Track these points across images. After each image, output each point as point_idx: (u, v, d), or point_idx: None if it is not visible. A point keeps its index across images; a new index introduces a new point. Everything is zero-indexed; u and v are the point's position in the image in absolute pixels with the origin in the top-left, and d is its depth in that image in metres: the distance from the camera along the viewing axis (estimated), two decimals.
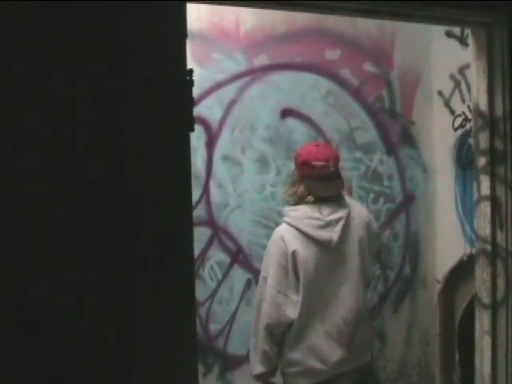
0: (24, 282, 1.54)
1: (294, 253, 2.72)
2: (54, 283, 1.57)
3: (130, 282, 1.64)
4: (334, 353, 2.78)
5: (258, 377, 2.81)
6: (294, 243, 2.74)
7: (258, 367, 2.79)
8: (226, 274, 3.53)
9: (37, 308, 1.56)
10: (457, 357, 3.83)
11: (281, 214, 2.92)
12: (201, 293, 3.39)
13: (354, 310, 2.82)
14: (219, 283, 3.52)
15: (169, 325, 1.69)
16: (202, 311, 3.47)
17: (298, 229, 2.76)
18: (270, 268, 2.77)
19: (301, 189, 2.83)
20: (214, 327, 3.52)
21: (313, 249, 2.75)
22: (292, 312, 2.73)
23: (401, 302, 4.00)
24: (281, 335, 2.78)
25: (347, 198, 2.95)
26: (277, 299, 2.74)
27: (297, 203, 2.85)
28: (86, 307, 1.61)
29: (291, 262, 2.73)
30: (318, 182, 2.80)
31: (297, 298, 2.74)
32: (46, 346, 1.57)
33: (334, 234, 2.76)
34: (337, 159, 2.85)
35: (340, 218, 2.79)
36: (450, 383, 3.94)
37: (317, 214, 2.76)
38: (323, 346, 2.77)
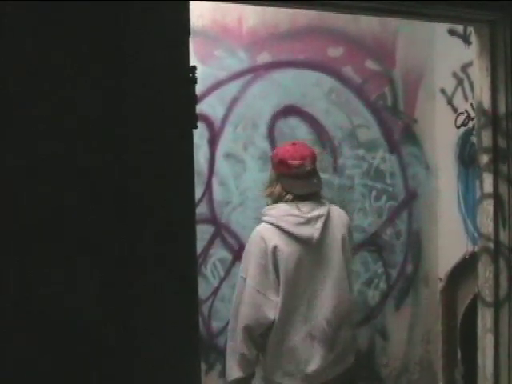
0: (25, 282, 1.54)
1: (274, 248, 2.68)
2: (55, 283, 1.57)
3: (132, 280, 1.64)
4: (318, 356, 2.71)
5: (234, 383, 2.72)
6: (275, 240, 2.69)
7: (234, 372, 2.70)
8: (228, 272, 3.53)
9: (37, 308, 1.56)
10: (459, 355, 3.83)
11: (260, 215, 2.87)
12: (203, 290, 3.40)
13: (337, 308, 2.76)
14: (221, 281, 3.53)
15: (171, 323, 1.69)
16: (205, 309, 3.48)
17: (278, 226, 2.72)
18: (249, 268, 2.71)
19: (278, 188, 2.80)
20: (216, 325, 3.52)
21: (294, 246, 2.70)
22: (272, 313, 2.67)
23: (403, 299, 4.00)
24: (260, 337, 2.71)
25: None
26: (256, 299, 2.67)
27: (276, 202, 2.82)
28: (87, 306, 1.61)
29: (271, 260, 2.68)
30: (295, 180, 2.77)
31: (276, 299, 2.68)
32: (47, 347, 1.57)
33: (315, 230, 2.73)
34: (314, 158, 2.83)
35: (320, 215, 2.76)
36: (452, 381, 3.94)
37: (296, 212, 2.73)
38: (306, 349, 2.71)
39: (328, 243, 2.78)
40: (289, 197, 2.77)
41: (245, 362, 2.69)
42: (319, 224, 2.74)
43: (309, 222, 2.73)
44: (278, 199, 2.81)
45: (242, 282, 2.73)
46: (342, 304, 2.78)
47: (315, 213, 2.76)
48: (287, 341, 2.70)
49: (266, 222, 2.77)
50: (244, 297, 2.69)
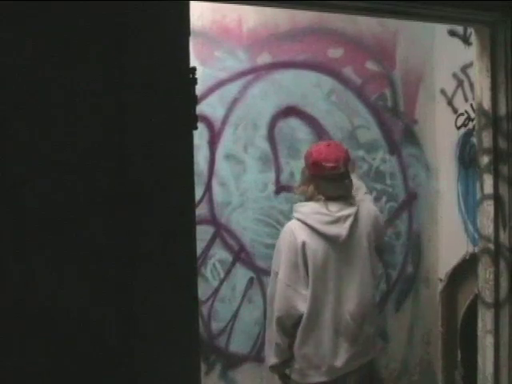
0: (25, 282, 1.54)
1: (303, 244, 2.78)
2: (55, 282, 1.57)
3: (132, 281, 1.64)
4: (342, 349, 2.83)
5: (272, 368, 2.93)
6: (303, 236, 2.79)
7: (271, 358, 2.88)
8: (228, 273, 3.53)
9: (38, 308, 1.56)
10: (459, 356, 3.83)
11: (292, 211, 2.97)
12: (203, 291, 3.40)
13: (362, 305, 2.86)
14: (221, 281, 3.52)
15: (171, 323, 1.69)
16: (205, 310, 3.47)
17: (306, 224, 2.81)
18: (280, 262, 2.82)
19: (311, 188, 2.89)
20: (216, 325, 3.52)
21: (321, 243, 2.80)
22: (302, 305, 2.78)
23: (403, 300, 4.00)
24: (292, 328, 2.82)
25: (356, 188, 3.02)
26: (287, 293, 2.78)
27: (307, 200, 2.91)
28: (87, 306, 1.61)
29: (301, 255, 2.78)
30: (328, 182, 2.85)
31: (306, 293, 2.78)
32: (47, 345, 1.57)
33: (342, 229, 2.81)
34: (347, 159, 2.90)
35: (349, 215, 2.84)
36: (452, 382, 3.93)
37: (325, 211, 2.81)
38: (332, 343, 2.82)
39: (355, 242, 2.87)
40: (320, 197, 2.85)
41: (279, 350, 2.86)
42: (347, 223, 2.83)
43: (337, 221, 2.82)
44: (309, 199, 2.90)
45: (274, 276, 2.86)
46: (365, 300, 2.89)
47: (344, 212, 2.84)
48: (315, 333, 2.82)
49: (297, 218, 2.86)
50: (276, 290, 2.82)
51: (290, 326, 2.81)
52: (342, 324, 2.83)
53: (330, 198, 2.84)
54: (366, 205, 3.01)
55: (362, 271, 2.87)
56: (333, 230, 2.80)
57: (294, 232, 2.82)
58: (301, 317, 2.79)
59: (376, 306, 3.09)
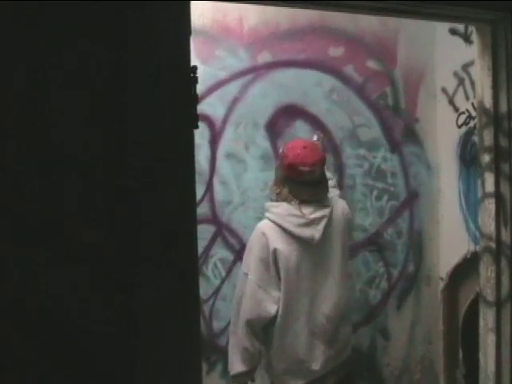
0: (26, 280, 1.54)
1: (275, 251, 2.71)
2: (57, 286, 1.57)
3: (133, 280, 1.64)
4: (318, 352, 2.77)
5: (237, 377, 2.75)
6: (276, 241, 2.73)
7: (237, 366, 2.73)
8: (229, 271, 3.53)
9: (39, 310, 1.56)
10: (460, 354, 3.83)
11: (263, 210, 2.91)
12: (204, 290, 3.40)
13: (338, 306, 2.81)
14: (223, 280, 3.53)
15: (173, 323, 1.69)
16: (206, 308, 3.48)
17: (280, 226, 2.74)
18: (250, 263, 2.75)
19: (285, 191, 2.81)
20: (217, 324, 3.52)
21: (295, 246, 2.74)
22: (273, 307, 2.71)
23: (404, 299, 4.00)
24: (262, 331, 2.75)
25: (331, 190, 2.96)
26: (257, 294, 2.71)
27: (279, 201, 2.84)
28: (87, 307, 1.61)
29: (272, 257, 2.72)
30: (303, 186, 2.78)
31: (277, 294, 2.72)
32: (48, 348, 1.57)
33: (316, 232, 2.75)
34: (323, 161, 2.84)
35: (322, 217, 2.78)
36: (453, 381, 3.94)
37: (298, 213, 2.75)
38: (307, 346, 2.76)
39: (329, 243, 2.81)
40: (295, 202, 2.78)
41: (248, 356, 2.72)
42: (321, 226, 2.76)
43: (311, 223, 2.76)
44: (283, 200, 2.82)
45: (244, 277, 2.76)
46: (341, 301, 2.83)
47: (318, 214, 2.77)
48: (289, 337, 2.75)
49: (269, 219, 2.79)
50: (246, 291, 2.73)
51: (259, 329, 2.73)
52: (318, 326, 2.77)
53: (303, 201, 2.78)
54: (340, 204, 2.94)
55: (336, 273, 2.81)
56: (306, 232, 2.74)
57: (265, 232, 2.74)
58: (270, 319, 2.72)
59: (351, 307, 3.03)
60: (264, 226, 2.79)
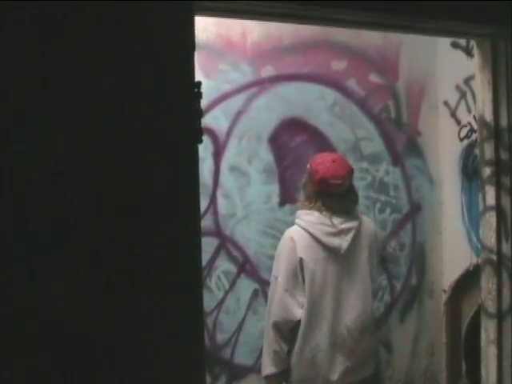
0: (31, 287, 1.56)
1: (301, 260, 2.77)
2: (61, 292, 1.58)
3: (137, 292, 1.66)
4: (337, 363, 2.79)
5: (268, 378, 2.83)
6: (303, 249, 2.78)
7: (268, 368, 2.81)
8: (232, 284, 3.54)
9: (43, 314, 1.57)
10: (463, 366, 3.82)
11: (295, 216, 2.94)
12: (208, 302, 3.39)
13: (360, 318, 2.84)
14: (226, 293, 3.53)
15: (176, 335, 1.71)
16: (209, 321, 3.48)
17: (309, 233, 2.80)
18: (280, 266, 2.81)
19: (318, 204, 2.85)
20: (220, 337, 3.52)
21: (321, 255, 2.79)
22: (298, 312, 2.77)
23: (407, 311, 4.00)
24: (290, 334, 2.79)
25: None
26: (284, 298, 2.77)
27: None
28: (91, 317, 1.62)
29: (299, 266, 2.77)
30: (334, 198, 2.84)
31: (303, 300, 2.77)
32: (52, 353, 1.58)
33: (344, 242, 2.80)
34: (352, 174, 2.91)
35: (351, 228, 2.83)
36: None
37: (328, 222, 2.80)
38: (327, 356, 2.79)
39: (356, 254, 2.87)
40: (326, 212, 2.83)
41: (277, 358, 2.80)
42: (349, 236, 2.82)
43: (340, 233, 2.81)
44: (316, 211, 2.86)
45: (274, 281, 2.83)
46: (364, 315, 2.87)
47: (347, 225, 2.83)
48: (310, 345, 2.79)
49: (299, 225, 2.85)
50: (274, 294, 2.80)
51: (286, 331, 2.78)
52: (339, 337, 2.80)
53: (334, 212, 2.83)
54: (366, 220, 3.02)
55: (362, 284, 2.86)
56: (334, 241, 2.79)
57: (294, 238, 2.80)
58: (296, 323, 2.77)
59: (373, 320, 3.04)
60: (293, 231, 2.85)
